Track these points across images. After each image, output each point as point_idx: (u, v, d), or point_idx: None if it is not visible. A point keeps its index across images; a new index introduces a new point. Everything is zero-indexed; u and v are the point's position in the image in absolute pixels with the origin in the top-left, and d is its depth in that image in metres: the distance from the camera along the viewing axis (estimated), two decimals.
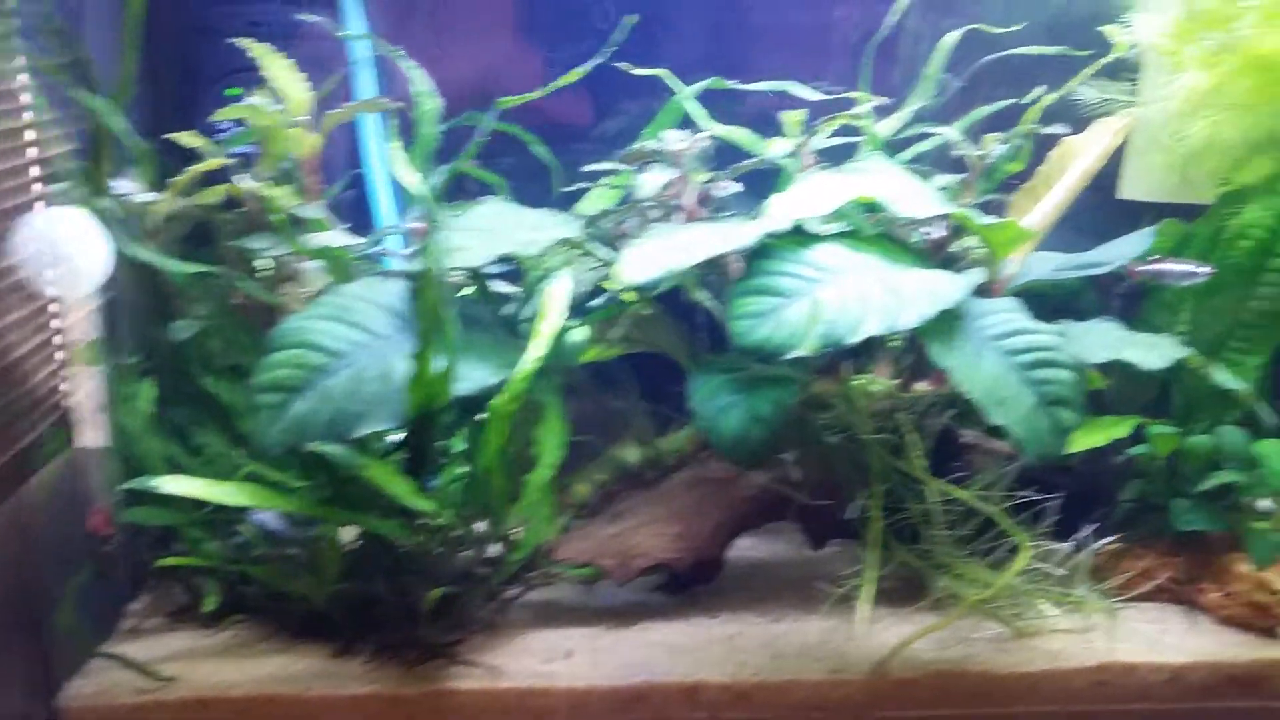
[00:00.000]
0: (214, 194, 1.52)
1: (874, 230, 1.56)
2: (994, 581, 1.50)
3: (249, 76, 1.56)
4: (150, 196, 1.48)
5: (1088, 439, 1.59)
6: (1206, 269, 1.59)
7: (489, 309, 1.49)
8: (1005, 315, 1.45)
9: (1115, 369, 1.53)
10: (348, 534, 1.45)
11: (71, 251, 1.27)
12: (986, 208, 1.71)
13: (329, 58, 1.73)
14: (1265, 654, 1.52)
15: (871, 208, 1.47)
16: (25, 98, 1.35)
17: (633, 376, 1.75)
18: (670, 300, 1.61)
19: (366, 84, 1.77)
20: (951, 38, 1.71)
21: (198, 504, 1.39)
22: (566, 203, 1.71)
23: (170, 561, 1.46)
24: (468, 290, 1.54)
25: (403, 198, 1.69)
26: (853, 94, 1.69)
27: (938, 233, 1.62)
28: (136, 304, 1.55)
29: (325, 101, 1.56)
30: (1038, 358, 1.43)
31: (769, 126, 1.70)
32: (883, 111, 1.69)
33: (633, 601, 1.63)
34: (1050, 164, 1.63)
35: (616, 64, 1.71)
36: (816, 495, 1.62)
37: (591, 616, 1.59)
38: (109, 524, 1.48)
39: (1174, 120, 1.58)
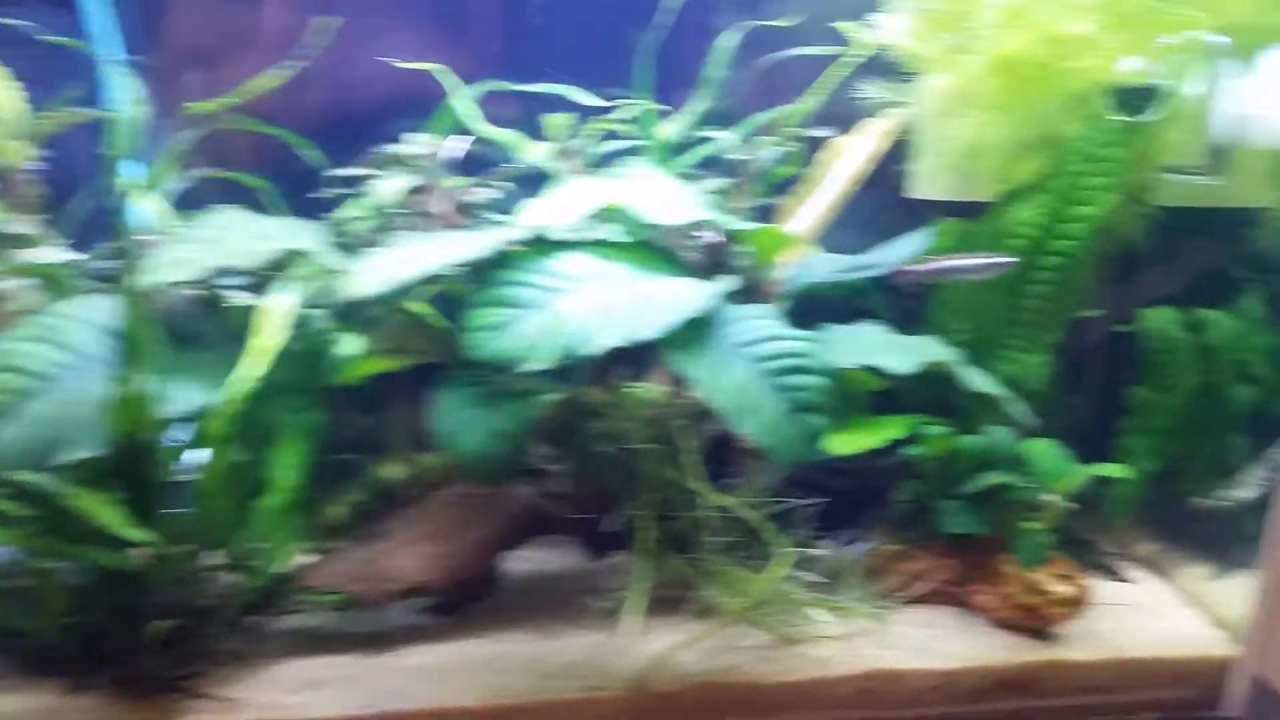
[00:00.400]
0: None
1: (636, 237, 1.51)
2: (764, 586, 1.48)
3: None
4: None
5: (864, 440, 1.58)
6: (1006, 259, 1.58)
7: (216, 325, 1.41)
8: (757, 322, 1.42)
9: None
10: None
11: None
12: (765, 212, 1.69)
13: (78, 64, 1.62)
14: (1035, 656, 1.52)
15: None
16: None
17: (405, 390, 1.67)
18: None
19: (120, 88, 1.66)
20: (731, 38, 1.67)
21: None
22: None
23: None
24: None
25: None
26: (628, 99, 1.64)
27: (712, 239, 1.58)
28: None
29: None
30: (788, 364, 1.40)
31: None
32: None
33: (399, 625, 1.56)
34: (818, 166, 1.60)
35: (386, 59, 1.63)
36: (590, 506, 1.57)
37: (353, 643, 1.52)
38: None
39: (940, 121, 1.57)
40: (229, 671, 1.42)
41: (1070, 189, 1.55)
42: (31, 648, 1.42)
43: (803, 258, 1.70)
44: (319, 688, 1.41)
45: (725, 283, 1.41)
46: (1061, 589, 1.54)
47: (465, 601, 1.59)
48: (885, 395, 1.64)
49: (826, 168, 1.60)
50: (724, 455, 1.61)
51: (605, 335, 1.30)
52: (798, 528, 1.54)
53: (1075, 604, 1.54)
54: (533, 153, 1.45)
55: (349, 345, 1.54)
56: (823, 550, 1.56)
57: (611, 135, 1.60)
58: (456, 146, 1.45)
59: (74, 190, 1.59)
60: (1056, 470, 1.51)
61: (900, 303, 1.82)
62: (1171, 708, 1.54)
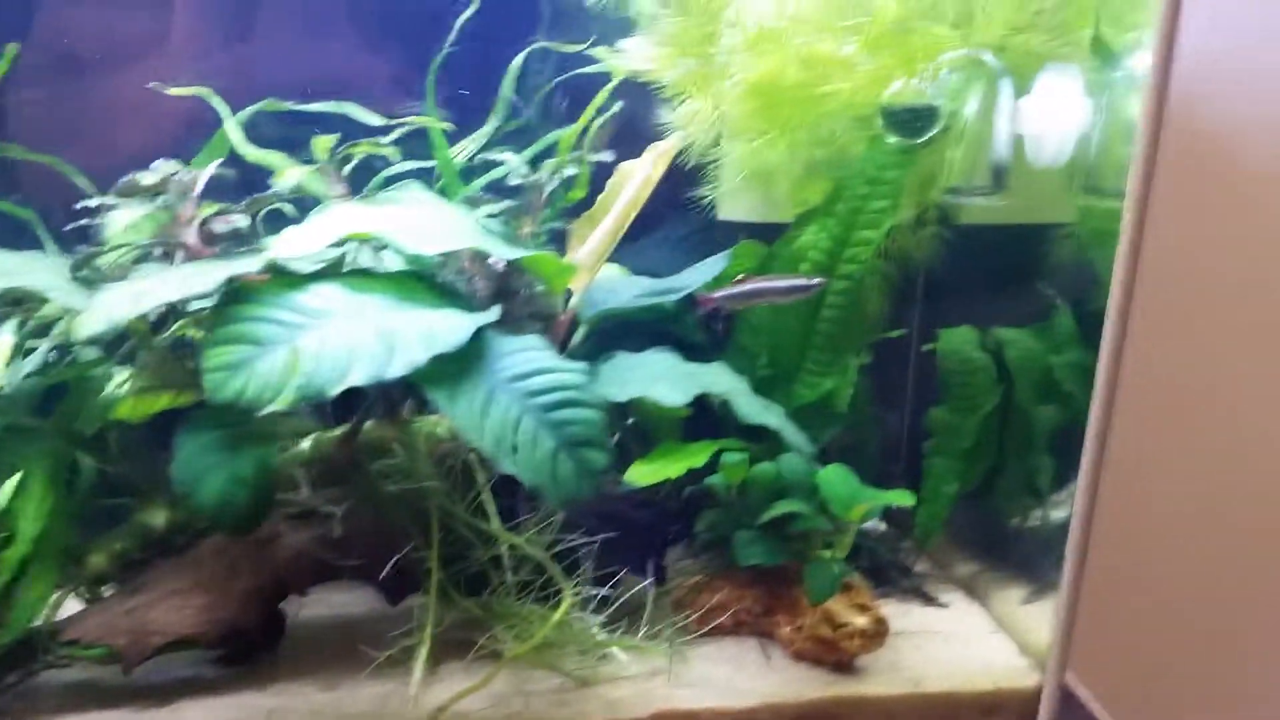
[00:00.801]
0: None
1: (414, 266, 1.46)
2: (544, 630, 1.43)
3: None
4: None
5: (664, 470, 1.53)
6: (815, 281, 1.54)
7: None
8: (527, 355, 1.37)
9: None
10: None
11: None
12: (559, 237, 1.64)
13: None
14: (833, 691, 1.49)
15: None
16: None
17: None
18: None
19: None
20: (518, 60, 1.63)
21: None
22: None
23: None
24: None
25: None
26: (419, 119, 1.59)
27: (496, 268, 1.54)
28: None
29: None
30: (558, 398, 1.35)
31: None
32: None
33: (181, 677, 1.49)
34: (608, 190, 1.56)
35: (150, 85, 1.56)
36: (377, 549, 1.50)
37: (128, 696, 1.44)
38: None
39: (727, 144, 1.54)
40: None
41: (854, 212, 1.52)
42: None
43: (606, 282, 1.66)
44: None
45: (488, 315, 1.35)
46: (858, 620, 1.50)
47: (246, 651, 1.52)
48: (709, 420, 1.61)
49: (616, 191, 1.55)
50: (519, 490, 1.55)
51: (352, 374, 1.23)
52: (595, 563, 1.49)
53: (872, 636, 1.50)
54: (291, 176, 1.38)
55: (109, 384, 1.47)
56: (621, 586, 1.50)
57: (410, 157, 1.54)
58: (207, 172, 1.37)
59: None
60: (848, 497, 1.48)
61: (711, 326, 1.79)
62: None
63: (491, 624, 1.50)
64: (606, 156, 1.56)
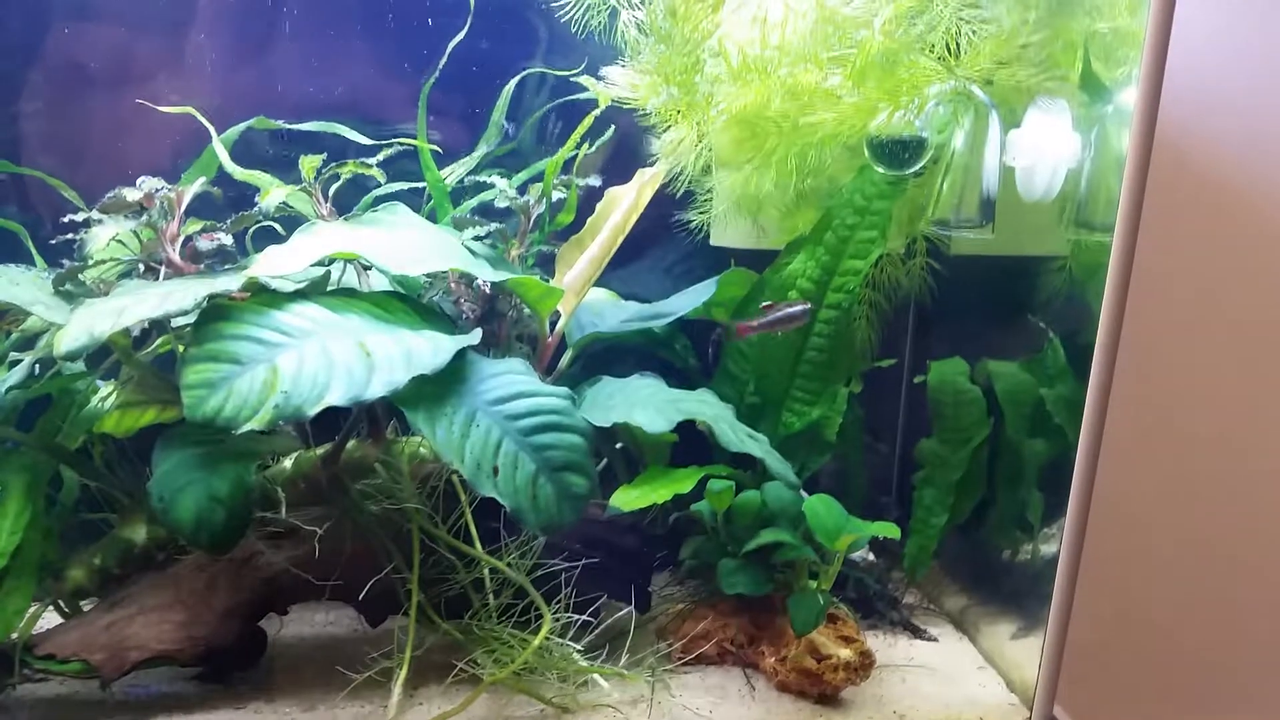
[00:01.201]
0: None
1: (401, 287, 1.46)
2: (525, 655, 1.41)
3: None
4: None
5: (650, 496, 1.52)
6: (804, 305, 1.54)
7: None
8: (509, 378, 1.36)
9: None
10: None
11: None
12: (546, 260, 1.64)
13: None
14: None
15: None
16: None
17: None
18: None
19: None
20: (510, 85, 1.63)
21: None
22: None
23: None
24: None
25: None
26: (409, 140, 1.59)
27: (481, 290, 1.54)
28: None
29: None
30: (541, 422, 1.35)
31: None
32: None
33: (158, 693, 1.49)
34: (596, 215, 1.56)
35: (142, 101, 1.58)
36: (358, 569, 1.50)
37: (105, 712, 1.44)
38: None
39: (718, 171, 1.53)
40: None
41: (843, 241, 1.51)
42: None
43: (594, 306, 1.66)
44: None
45: (470, 337, 1.35)
46: (843, 652, 1.49)
47: (225, 669, 1.51)
48: (698, 445, 1.60)
49: (604, 215, 1.55)
50: (503, 512, 1.54)
51: (330, 394, 1.23)
52: (579, 588, 1.48)
53: (857, 669, 1.48)
54: (276, 196, 1.38)
55: (93, 398, 1.47)
56: (604, 612, 1.49)
57: (401, 177, 1.55)
58: (192, 190, 1.38)
59: None
60: (834, 527, 1.46)
61: (702, 352, 1.79)
62: None
63: (472, 647, 1.48)
64: (594, 181, 1.56)
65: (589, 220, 1.58)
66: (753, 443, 1.40)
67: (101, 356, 1.48)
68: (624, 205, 1.52)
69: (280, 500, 1.45)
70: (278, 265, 1.30)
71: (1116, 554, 1.35)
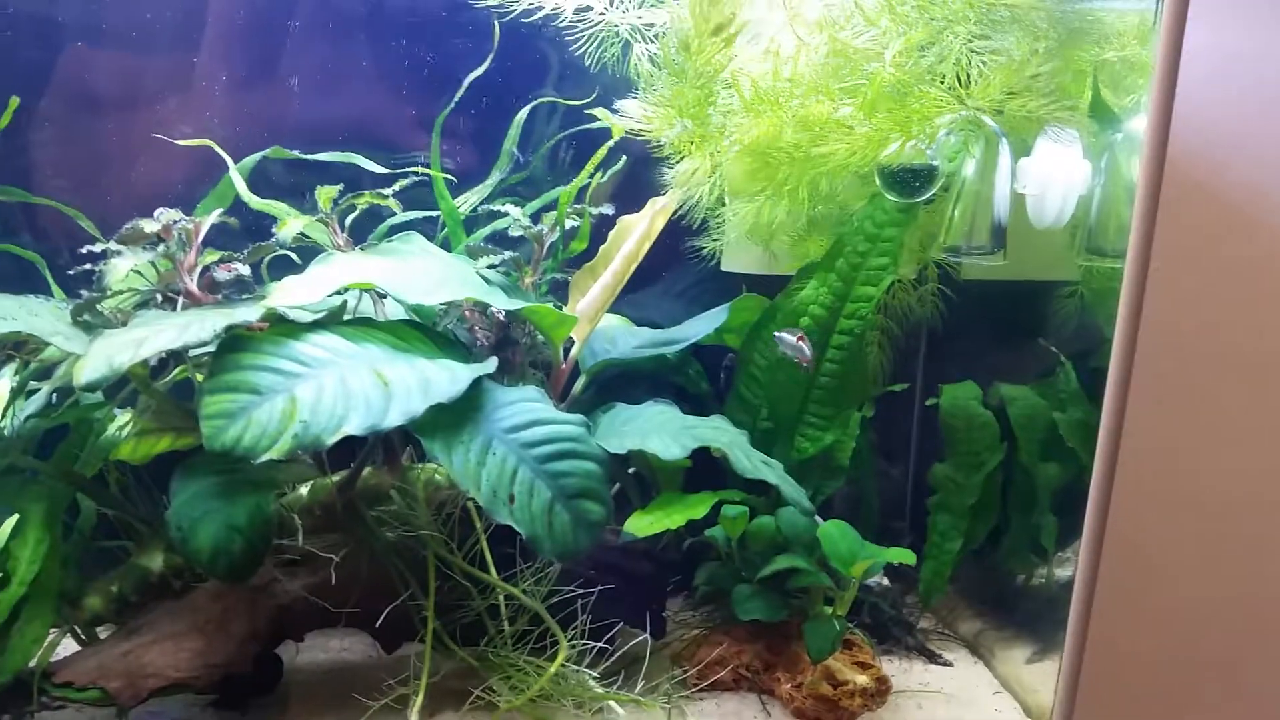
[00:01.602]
0: None
1: (417, 316, 1.47)
2: (541, 682, 1.42)
3: None
4: None
5: (664, 522, 1.52)
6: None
7: None
8: (525, 405, 1.37)
9: None
10: None
11: None
12: (559, 287, 1.65)
13: None
14: None
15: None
16: None
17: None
18: None
19: None
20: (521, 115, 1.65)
21: None
22: None
23: None
24: None
25: None
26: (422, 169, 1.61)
27: (496, 318, 1.55)
28: None
29: None
30: (556, 449, 1.36)
31: None
32: None
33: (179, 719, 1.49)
34: (609, 243, 1.57)
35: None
36: (374, 596, 1.50)
37: None
38: None
39: (730, 200, 1.55)
40: None
41: (854, 268, 1.52)
42: None
43: (607, 333, 1.67)
44: None
45: (486, 365, 1.36)
46: (860, 678, 1.49)
47: (241, 697, 1.52)
48: (711, 470, 1.60)
49: (617, 243, 1.56)
50: (518, 539, 1.55)
51: (348, 424, 1.24)
52: (593, 614, 1.48)
53: (874, 695, 1.48)
54: (293, 226, 1.40)
55: (110, 427, 1.48)
56: (619, 638, 1.49)
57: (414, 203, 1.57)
58: (209, 220, 1.39)
59: None
60: (849, 553, 1.46)
61: (714, 377, 1.80)
62: None
63: (488, 674, 1.49)
64: (607, 210, 1.57)
65: (602, 248, 1.59)
66: (767, 469, 1.41)
67: (119, 385, 1.50)
68: (637, 233, 1.53)
69: (297, 527, 1.46)
70: (295, 296, 1.31)
71: (1132, 578, 1.34)
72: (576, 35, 1.55)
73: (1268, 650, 1.12)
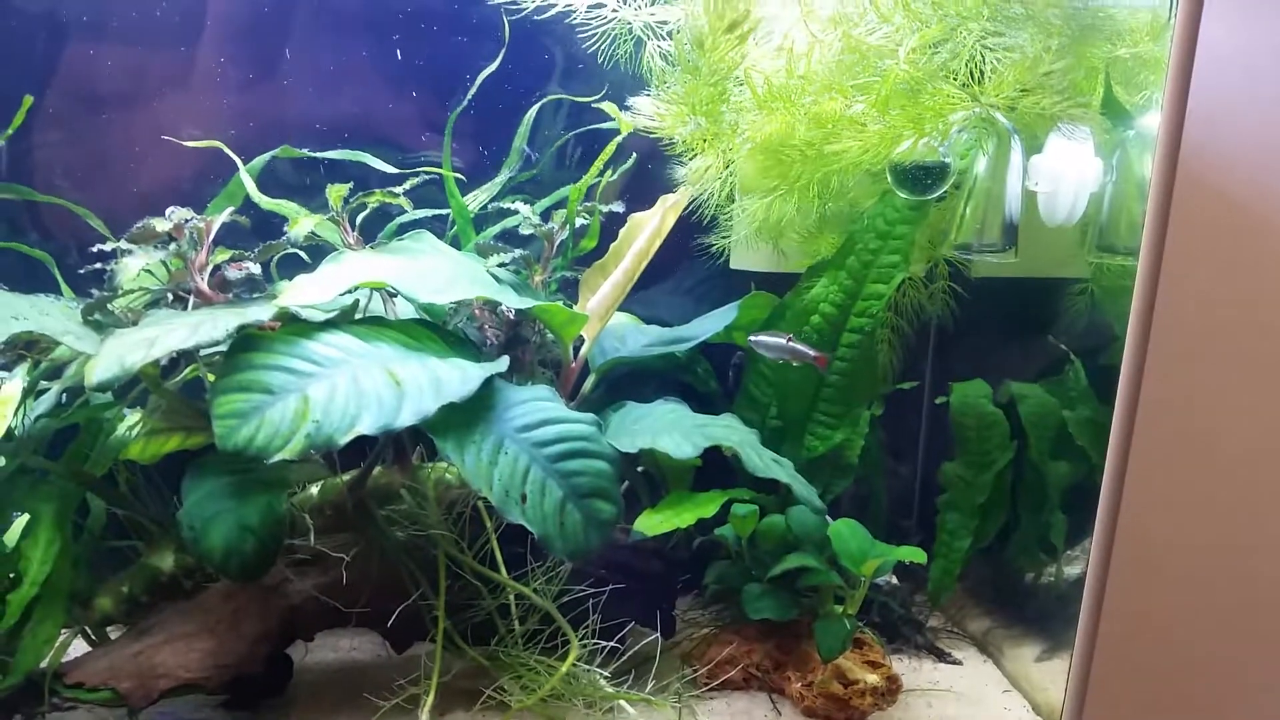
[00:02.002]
0: None
1: (428, 315, 1.47)
2: (552, 681, 1.42)
3: None
4: None
5: (673, 521, 1.52)
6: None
7: None
8: (536, 404, 1.37)
9: None
10: None
11: None
12: (569, 285, 1.65)
13: None
14: None
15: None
16: None
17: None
18: None
19: None
20: (531, 113, 1.65)
21: None
22: None
23: None
24: None
25: None
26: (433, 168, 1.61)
27: (506, 316, 1.55)
28: None
29: None
30: (568, 448, 1.35)
31: None
32: None
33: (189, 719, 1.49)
34: (619, 240, 1.57)
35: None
36: (385, 596, 1.50)
37: None
38: None
39: (741, 197, 1.54)
40: None
41: (865, 266, 1.52)
42: None
43: (617, 331, 1.67)
44: None
45: (497, 364, 1.35)
46: (870, 677, 1.48)
47: (252, 697, 1.51)
48: (721, 468, 1.60)
49: (628, 241, 1.56)
50: (529, 538, 1.55)
51: (361, 423, 1.23)
52: (604, 613, 1.48)
53: (884, 694, 1.48)
54: (304, 226, 1.39)
55: (120, 426, 1.48)
56: (629, 637, 1.49)
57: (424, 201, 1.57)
58: (220, 219, 1.39)
59: None
60: (860, 552, 1.46)
61: (723, 375, 1.80)
62: None
63: (498, 674, 1.48)
64: (617, 207, 1.57)
65: (612, 246, 1.59)
66: (778, 468, 1.41)
67: (128, 384, 1.49)
68: (647, 231, 1.53)
69: (308, 527, 1.45)
70: (307, 295, 1.31)
71: (1143, 576, 1.34)
72: (589, 33, 1.54)
73: (1278, 648, 1.12)
